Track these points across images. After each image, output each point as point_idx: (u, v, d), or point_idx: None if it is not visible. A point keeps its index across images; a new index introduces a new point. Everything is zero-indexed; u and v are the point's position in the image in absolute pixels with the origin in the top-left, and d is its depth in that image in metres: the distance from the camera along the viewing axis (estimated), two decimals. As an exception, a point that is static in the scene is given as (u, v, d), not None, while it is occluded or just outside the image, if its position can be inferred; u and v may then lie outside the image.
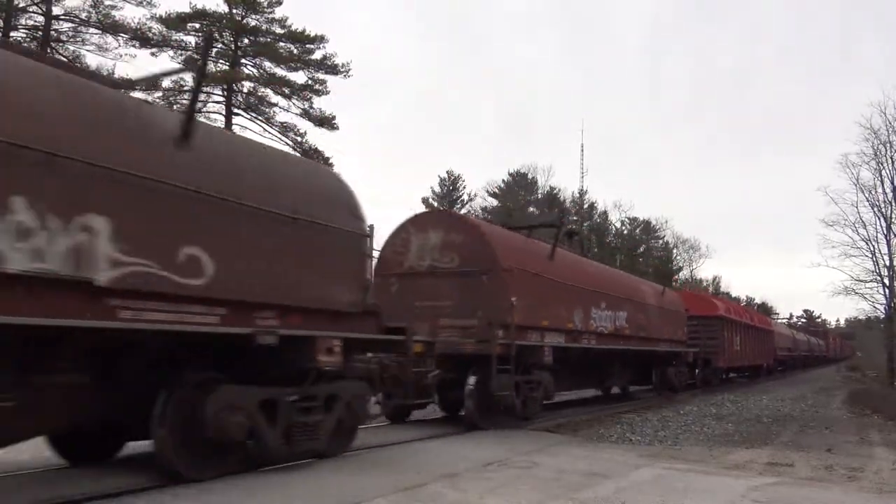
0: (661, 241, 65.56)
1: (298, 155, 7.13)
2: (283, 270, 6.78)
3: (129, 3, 29.19)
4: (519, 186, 57.02)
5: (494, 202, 56.82)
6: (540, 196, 57.10)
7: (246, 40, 33.76)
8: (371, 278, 8.39)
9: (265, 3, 32.96)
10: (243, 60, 33.80)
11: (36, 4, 27.86)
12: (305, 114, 34.43)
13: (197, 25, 32.38)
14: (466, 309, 10.79)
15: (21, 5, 27.79)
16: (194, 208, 5.92)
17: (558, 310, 12.68)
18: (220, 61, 33.45)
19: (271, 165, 7.19)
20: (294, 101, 34.33)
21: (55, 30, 28.19)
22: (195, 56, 31.64)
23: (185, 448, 6.02)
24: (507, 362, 10.55)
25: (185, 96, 32.60)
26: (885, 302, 30.50)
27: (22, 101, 4.92)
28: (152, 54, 31.75)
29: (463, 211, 58.23)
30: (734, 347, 25.49)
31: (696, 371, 22.68)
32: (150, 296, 5.54)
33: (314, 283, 7.14)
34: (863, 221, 29.16)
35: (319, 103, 34.72)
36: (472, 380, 10.39)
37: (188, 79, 32.44)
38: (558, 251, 13.26)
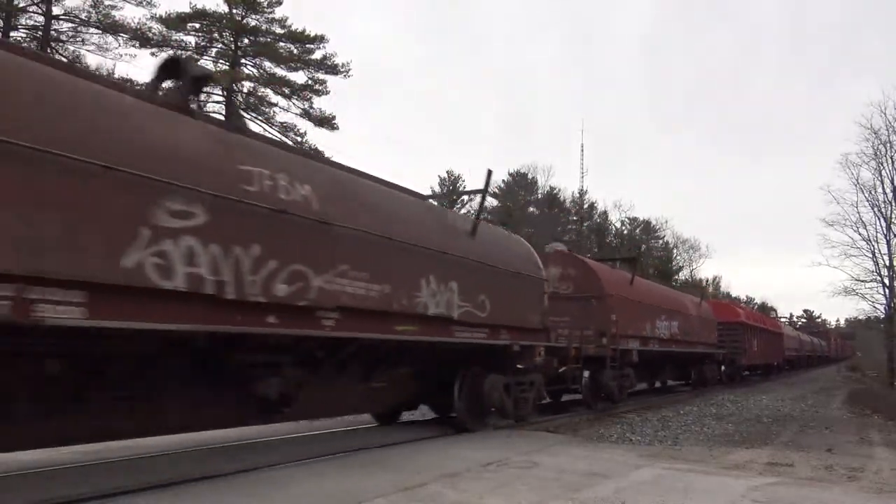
0: (661, 241, 65.61)
1: (510, 233, 13.33)
2: (511, 304, 10.77)
3: (129, 3, 29.24)
4: (519, 186, 57.04)
5: (494, 202, 56.82)
6: (540, 196, 57.13)
7: (246, 40, 33.76)
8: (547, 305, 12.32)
9: (265, 3, 32.96)
10: (243, 60, 33.79)
11: (36, 4, 27.86)
12: (305, 114, 34.45)
13: (197, 25, 32.39)
14: (581, 323, 14.53)
15: (21, 5, 27.80)
16: (482, 272, 10.01)
17: (637, 322, 16.94)
18: (220, 61, 33.45)
19: (505, 242, 11.77)
20: (294, 101, 34.35)
21: (55, 30, 28.20)
22: (194, 56, 31.61)
23: (470, 412, 10.39)
24: (613, 361, 14.79)
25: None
26: (885, 302, 30.52)
27: (446, 224, 9.78)
28: (152, 54, 31.75)
29: (463, 211, 58.30)
30: (753, 349, 28.65)
31: (723, 368, 25.85)
32: (468, 324, 9.60)
33: (522, 311, 11.19)
34: (863, 221, 29.20)
35: (319, 103, 34.76)
36: (586, 374, 13.48)
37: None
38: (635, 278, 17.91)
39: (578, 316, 14.60)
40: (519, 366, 11.01)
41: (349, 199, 7.67)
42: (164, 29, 31.22)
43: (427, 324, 8.68)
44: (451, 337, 9.28)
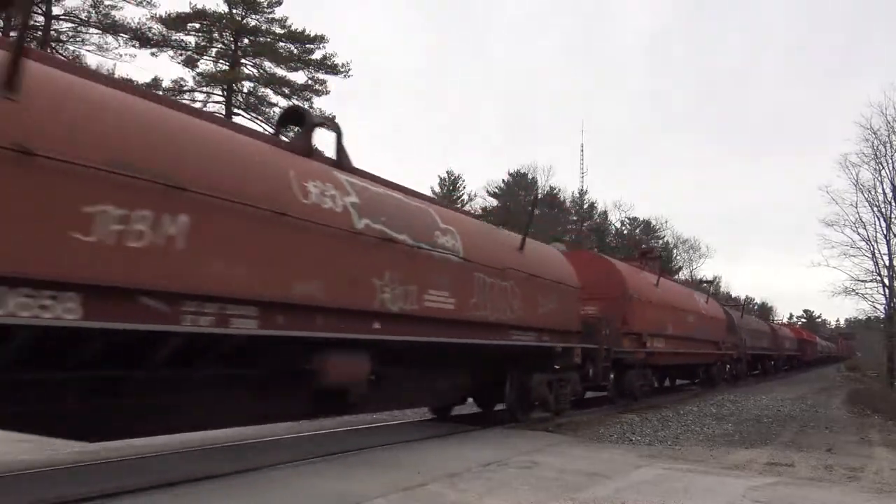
0: (661, 241, 65.57)
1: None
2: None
3: (129, 3, 29.23)
4: (519, 186, 57.00)
5: (494, 202, 56.82)
6: (540, 196, 57.09)
7: (246, 40, 33.75)
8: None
9: (265, 3, 32.95)
10: (243, 60, 33.78)
11: (36, 4, 27.84)
12: (305, 114, 34.44)
13: (197, 25, 32.38)
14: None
15: (21, 5, 27.78)
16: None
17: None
18: (221, 61, 33.45)
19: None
20: (294, 101, 34.32)
21: (55, 30, 28.19)
22: (194, 56, 31.60)
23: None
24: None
25: (185, 96, 32.61)
26: (884, 302, 30.49)
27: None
28: (152, 54, 31.75)
29: (466, 208, 58.26)
30: (807, 355, 48.72)
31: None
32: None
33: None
34: (862, 222, 29.15)
35: (319, 103, 34.76)
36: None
37: (189, 80, 32.56)
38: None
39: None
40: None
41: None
42: (164, 29, 31.22)
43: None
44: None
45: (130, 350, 5.35)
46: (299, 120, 8.28)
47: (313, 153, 7.54)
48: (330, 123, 8.37)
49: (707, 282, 41.93)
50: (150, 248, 5.09)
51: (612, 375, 15.00)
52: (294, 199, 6.59)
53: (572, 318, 12.68)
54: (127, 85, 6.97)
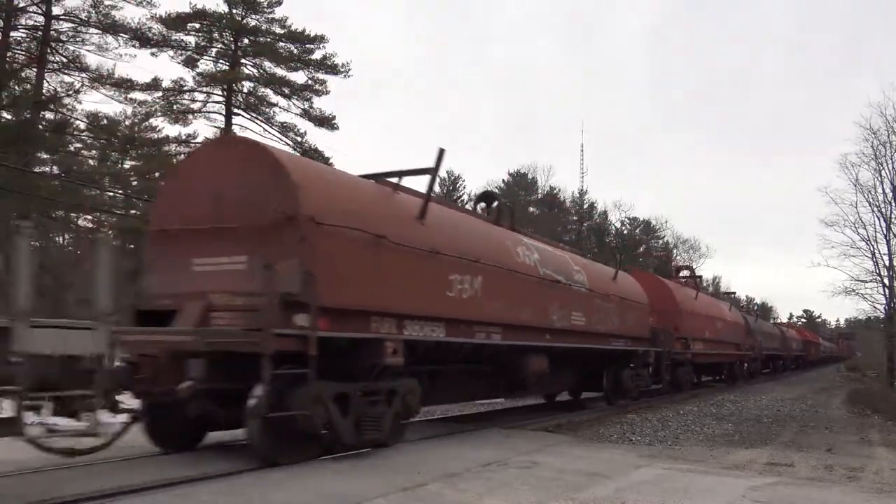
0: (661, 241, 65.54)
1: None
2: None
3: (129, 3, 29.13)
4: (519, 186, 56.99)
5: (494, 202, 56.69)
6: (540, 196, 57.11)
7: (246, 40, 33.71)
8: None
9: (265, 3, 32.92)
10: (243, 60, 33.75)
11: (36, 4, 27.82)
12: (305, 114, 34.39)
13: (197, 25, 32.35)
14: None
15: (21, 5, 27.77)
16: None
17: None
18: (221, 61, 33.42)
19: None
20: (294, 101, 34.30)
21: (55, 30, 28.15)
22: (194, 56, 31.59)
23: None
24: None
25: (184, 96, 32.61)
26: (885, 302, 30.48)
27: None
28: (152, 54, 31.71)
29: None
30: (811, 354, 53.72)
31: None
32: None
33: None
34: (862, 222, 29.13)
35: (319, 103, 34.70)
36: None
37: (189, 80, 32.55)
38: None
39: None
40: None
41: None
42: (164, 29, 31.18)
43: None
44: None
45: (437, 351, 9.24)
46: (489, 199, 13.34)
47: (500, 223, 11.95)
48: (504, 201, 13.73)
49: (730, 293, 46.23)
50: (469, 297, 9.55)
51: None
52: (513, 260, 10.98)
53: (645, 327, 17.00)
54: (463, 208, 14.50)
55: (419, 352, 8.66)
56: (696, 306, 21.85)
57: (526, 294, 11.11)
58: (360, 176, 9.21)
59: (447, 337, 9.06)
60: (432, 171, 9.21)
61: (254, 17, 33.23)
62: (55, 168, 32.98)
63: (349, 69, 34.21)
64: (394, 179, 9.25)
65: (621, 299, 15.33)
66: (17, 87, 27.47)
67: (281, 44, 33.81)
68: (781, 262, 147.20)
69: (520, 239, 11.87)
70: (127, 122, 32.68)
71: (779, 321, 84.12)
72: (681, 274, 27.60)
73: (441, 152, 8.98)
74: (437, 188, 56.08)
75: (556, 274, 12.19)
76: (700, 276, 29.35)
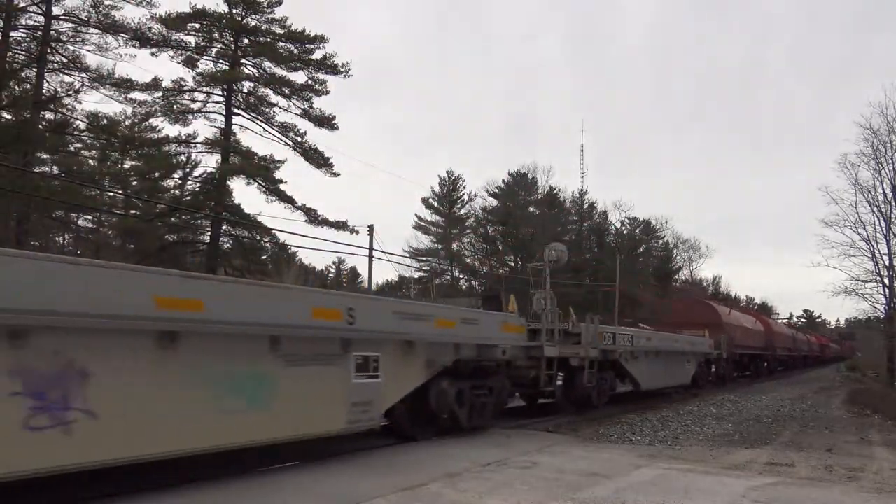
0: (661, 241, 65.50)
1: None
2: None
3: (129, 3, 29.10)
4: (519, 186, 56.93)
5: (494, 202, 56.77)
6: (540, 196, 57.05)
7: (246, 40, 33.70)
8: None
9: (265, 3, 32.90)
10: (243, 60, 33.73)
11: (36, 4, 27.80)
12: (305, 114, 34.36)
13: (197, 25, 32.33)
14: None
15: (21, 5, 27.75)
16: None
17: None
18: (221, 61, 33.40)
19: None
20: (294, 101, 34.27)
21: (55, 30, 28.12)
22: (194, 56, 31.63)
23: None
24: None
25: (184, 96, 32.59)
26: (885, 302, 30.43)
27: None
28: (152, 54, 31.68)
29: (462, 211, 58.31)
30: (826, 353, 65.47)
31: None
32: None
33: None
34: (862, 222, 29.01)
35: (319, 103, 34.68)
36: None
37: (189, 80, 32.54)
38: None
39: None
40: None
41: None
42: (164, 29, 31.15)
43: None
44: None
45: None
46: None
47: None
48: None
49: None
50: None
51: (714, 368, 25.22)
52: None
53: (711, 342, 23.45)
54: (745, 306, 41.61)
55: None
56: (735, 319, 28.96)
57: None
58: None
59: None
60: None
61: (254, 17, 33.21)
62: (55, 168, 32.94)
63: (349, 69, 34.23)
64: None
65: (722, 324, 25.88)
66: (17, 87, 27.47)
67: (281, 44, 33.79)
68: (781, 263, 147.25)
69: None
70: (127, 122, 32.68)
71: (781, 320, 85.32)
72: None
73: None
74: (436, 188, 55.49)
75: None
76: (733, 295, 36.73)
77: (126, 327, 5.37)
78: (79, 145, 31.82)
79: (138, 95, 30.85)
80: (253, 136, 46.70)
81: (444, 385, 9.48)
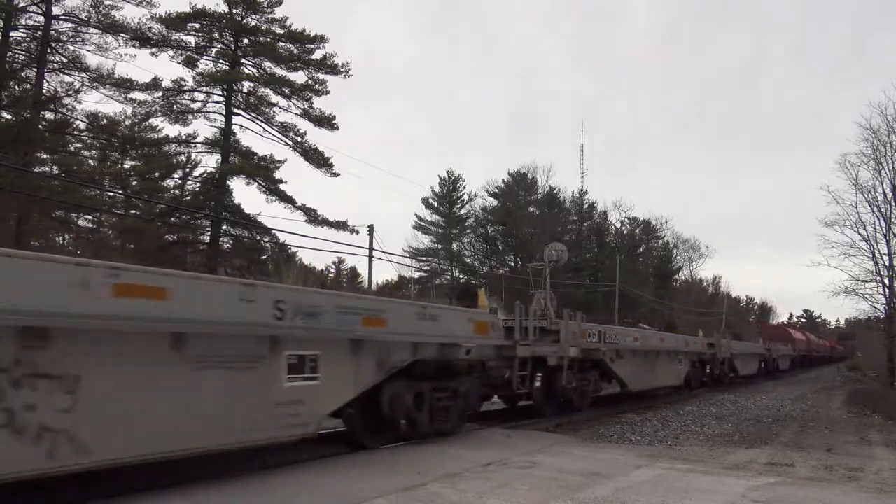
0: (661, 241, 65.54)
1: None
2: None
3: (129, 3, 29.15)
4: (519, 186, 56.96)
5: (494, 202, 56.78)
6: (540, 196, 57.07)
7: (246, 40, 33.71)
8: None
9: (265, 3, 32.91)
10: (243, 60, 33.74)
11: (36, 4, 27.81)
12: (305, 114, 34.38)
13: (197, 25, 32.34)
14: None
15: (21, 5, 27.76)
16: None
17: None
18: (221, 61, 33.41)
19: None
20: (294, 101, 34.28)
21: (55, 30, 28.13)
22: (194, 56, 31.62)
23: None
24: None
25: (184, 96, 32.59)
26: (885, 302, 30.40)
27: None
28: (152, 54, 31.70)
29: (462, 211, 58.35)
30: (837, 354, 74.96)
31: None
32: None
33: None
34: (862, 222, 28.98)
35: (319, 103, 34.69)
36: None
37: (189, 80, 32.56)
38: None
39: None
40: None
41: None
42: (164, 29, 31.17)
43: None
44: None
45: None
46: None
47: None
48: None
49: (765, 305, 57.95)
50: None
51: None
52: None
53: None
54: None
55: None
56: (791, 335, 44.56)
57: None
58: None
59: None
60: None
61: (254, 17, 33.23)
62: (55, 168, 32.94)
63: (349, 69, 34.24)
64: None
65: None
66: (17, 87, 27.47)
67: (281, 44, 33.81)
68: (781, 262, 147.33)
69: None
70: (127, 122, 32.73)
71: (782, 322, 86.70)
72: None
73: None
74: (436, 188, 55.48)
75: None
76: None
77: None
78: (79, 145, 31.85)
79: (138, 95, 30.90)
80: (253, 136, 46.83)
81: (399, 387, 8.67)
